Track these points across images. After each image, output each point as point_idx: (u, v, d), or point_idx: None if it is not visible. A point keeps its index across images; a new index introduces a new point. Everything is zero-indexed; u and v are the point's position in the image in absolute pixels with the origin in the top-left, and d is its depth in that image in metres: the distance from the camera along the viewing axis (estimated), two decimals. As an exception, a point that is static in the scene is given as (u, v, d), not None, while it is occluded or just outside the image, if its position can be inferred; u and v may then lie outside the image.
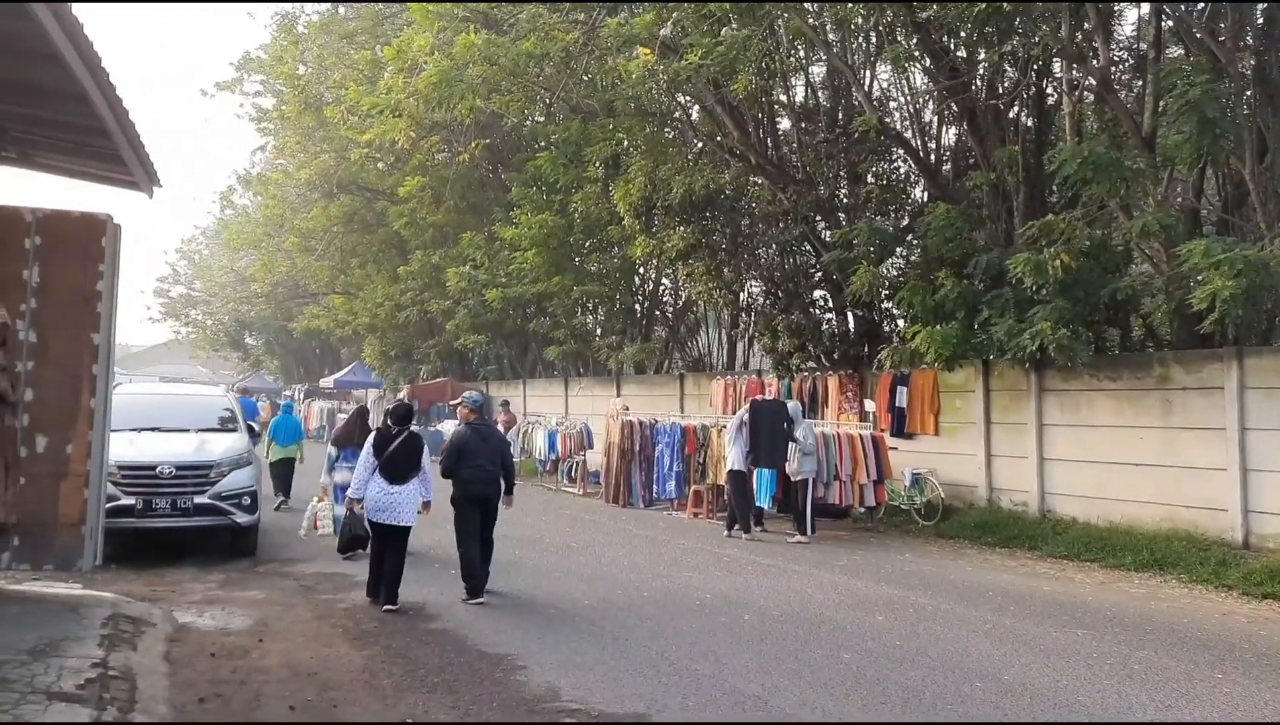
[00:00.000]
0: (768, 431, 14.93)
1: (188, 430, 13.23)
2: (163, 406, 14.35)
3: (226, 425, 13.91)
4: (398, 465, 9.82)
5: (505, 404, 26.72)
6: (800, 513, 14.78)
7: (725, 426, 15.99)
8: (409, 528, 9.85)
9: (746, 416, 15.23)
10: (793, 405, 15.76)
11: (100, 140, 7.79)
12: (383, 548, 9.82)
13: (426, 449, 10.37)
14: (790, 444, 14.84)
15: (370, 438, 10.25)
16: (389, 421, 10.39)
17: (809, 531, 14.60)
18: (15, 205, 8.74)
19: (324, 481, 13.25)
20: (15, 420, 8.33)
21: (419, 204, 29.20)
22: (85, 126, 7.50)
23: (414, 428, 10.67)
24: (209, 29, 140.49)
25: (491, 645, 8.19)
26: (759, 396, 16.26)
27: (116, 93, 6.77)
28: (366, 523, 10.10)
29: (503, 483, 10.46)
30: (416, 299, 32.54)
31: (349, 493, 10.40)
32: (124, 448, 11.67)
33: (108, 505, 9.78)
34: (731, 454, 15.09)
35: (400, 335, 36.09)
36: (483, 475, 10.19)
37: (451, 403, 12.26)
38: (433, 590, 10.49)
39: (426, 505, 10.21)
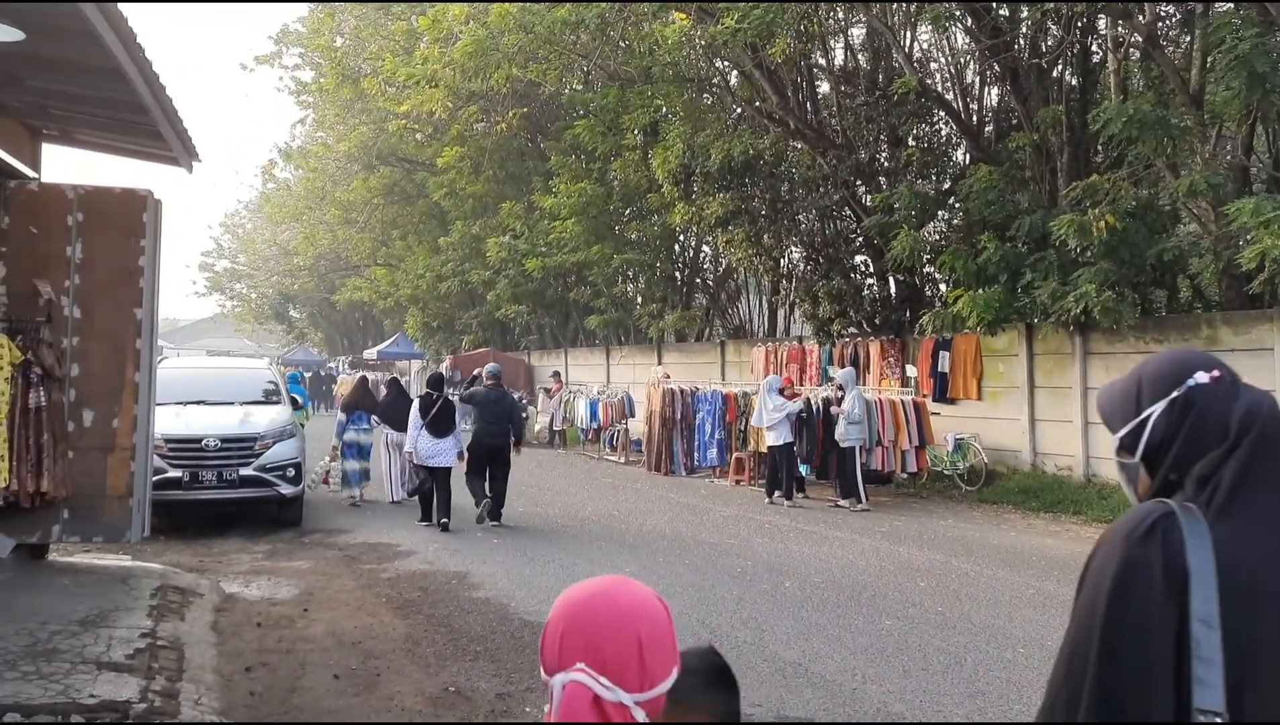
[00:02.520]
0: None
1: (232, 403, 13.38)
2: (208, 380, 14.57)
3: (270, 398, 14.09)
4: (439, 423, 12.78)
5: (556, 374, 27.33)
6: (851, 480, 14.58)
7: (761, 392, 15.73)
8: (449, 468, 12.77)
9: (799, 409, 15.08)
10: (845, 372, 15.60)
11: (138, 116, 7.81)
12: (431, 485, 12.75)
13: (459, 410, 13.24)
14: (836, 411, 14.78)
15: (415, 403, 13.07)
16: (428, 388, 13.15)
17: (863, 498, 14.36)
18: (58, 182, 8.86)
19: (334, 443, 15.04)
20: (62, 395, 8.46)
21: (458, 174, 29.25)
22: (123, 102, 7.52)
23: (448, 394, 13.31)
24: (248, 3, 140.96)
25: (534, 614, 8.23)
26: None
27: (153, 68, 6.78)
28: (416, 469, 13.13)
29: (512, 437, 12.98)
30: (457, 270, 32.58)
31: (405, 447, 13.29)
32: (170, 421, 11.85)
33: (155, 478, 9.90)
34: (775, 432, 14.90)
35: (442, 306, 36.19)
36: (493, 428, 12.82)
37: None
38: (474, 559, 10.60)
39: (461, 455, 12.94)
